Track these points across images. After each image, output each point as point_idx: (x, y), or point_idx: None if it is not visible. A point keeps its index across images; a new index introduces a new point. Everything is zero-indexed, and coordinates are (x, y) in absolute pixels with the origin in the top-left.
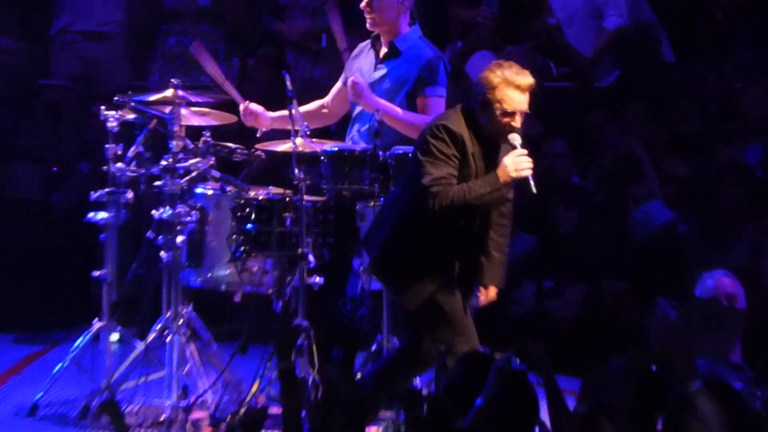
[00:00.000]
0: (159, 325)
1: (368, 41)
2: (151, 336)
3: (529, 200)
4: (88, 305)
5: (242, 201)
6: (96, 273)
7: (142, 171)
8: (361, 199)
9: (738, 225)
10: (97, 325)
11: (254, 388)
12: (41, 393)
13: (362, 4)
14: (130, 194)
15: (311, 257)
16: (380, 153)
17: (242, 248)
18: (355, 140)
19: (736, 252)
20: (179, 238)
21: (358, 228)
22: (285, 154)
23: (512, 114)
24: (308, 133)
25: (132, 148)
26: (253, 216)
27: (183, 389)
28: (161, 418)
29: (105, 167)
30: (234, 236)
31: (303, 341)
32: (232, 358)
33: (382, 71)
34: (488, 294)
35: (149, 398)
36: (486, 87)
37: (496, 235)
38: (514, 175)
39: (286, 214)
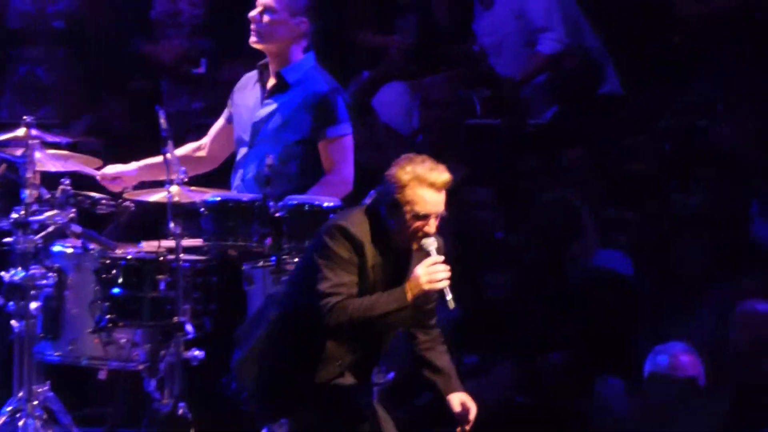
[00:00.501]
0: (10, 407)
1: (254, 72)
2: (1, 420)
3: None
4: None
5: (108, 261)
6: None
7: None
8: (248, 258)
9: (701, 286)
10: None
11: None
12: None
13: (252, 13)
14: None
15: (189, 327)
16: (271, 204)
17: (108, 316)
18: (240, 189)
19: (699, 318)
20: (33, 305)
21: (245, 292)
22: (158, 205)
23: (425, 217)
24: (185, 180)
25: None
26: (120, 279)
27: None
28: None
29: None
30: (98, 302)
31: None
32: None
33: (270, 107)
34: (468, 407)
35: None
36: (394, 186)
37: (434, 344)
38: (427, 287)
39: (160, 276)
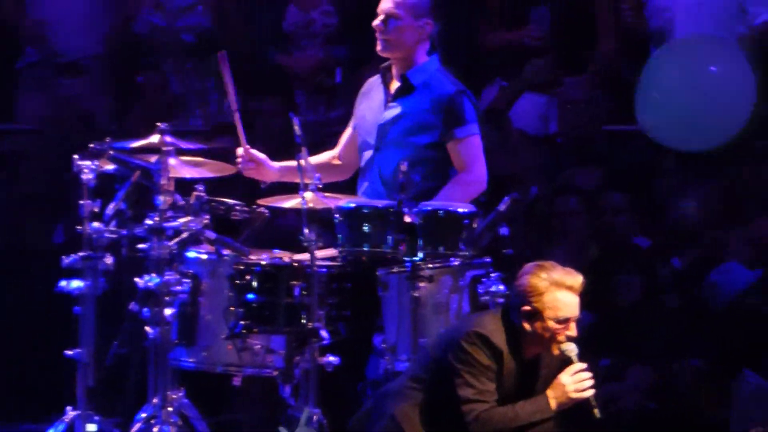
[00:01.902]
0: (145, 414)
1: (378, 76)
2: (136, 426)
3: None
4: (60, 391)
5: (242, 267)
6: (70, 352)
7: (124, 232)
8: (383, 264)
9: None
10: (71, 414)
11: None
12: None
13: (375, 22)
14: (109, 259)
15: (324, 333)
16: (406, 210)
17: (242, 323)
18: (367, 193)
19: None
20: (168, 311)
21: (380, 298)
22: (293, 212)
23: (566, 321)
24: (320, 186)
25: (111, 205)
26: (255, 285)
27: None
28: None
29: (80, 227)
30: (233, 309)
31: None
32: None
33: (396, 110)
34: None
35: None
36: (531, 293)
37: None
38: (574, 396)
39: (295, 282)
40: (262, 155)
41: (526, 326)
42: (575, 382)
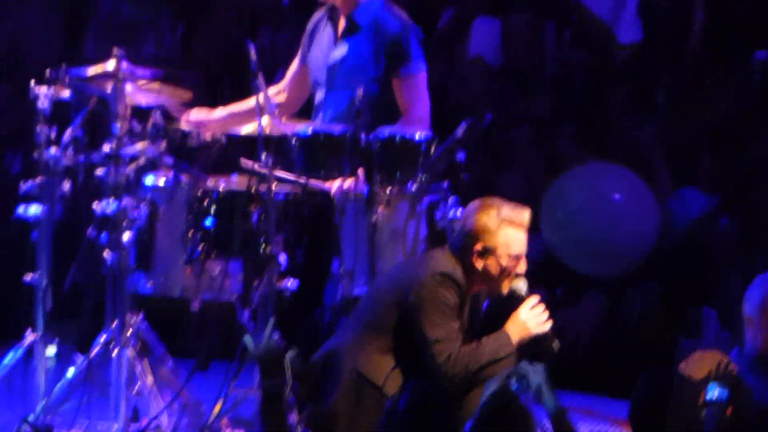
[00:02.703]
0: (103, 338)
1: (324, 12)
2: (95, 350)
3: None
4: (18, 315)
5: (200, 193)
6: (28, 277)
7: (81, 158)
8: (339, 190)
9: None
10: (29, 338)
11: (217, 410)
12: None
13: None
14: (66, 185)
15: (282, 258)
16: (362, 136)
17: (200, 248)
18: None
19: None
20: (126, 237)
21: (337, 225)
22: (250, 138)
23: (517, 258)
24: (276, 112)
25: (68, 132)
26: (212, 210)
27: (133, 412)
28: None
29: (36, 154)
30: (190, 234)
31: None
32: (190, 375)
33: (343, 49)
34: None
35: (93, 423)
36: (483, 232)
37: None
38: (534, 331)
39: (252, 208)
40: (201, 114)
41: (478, 265)
42: (534, 316)
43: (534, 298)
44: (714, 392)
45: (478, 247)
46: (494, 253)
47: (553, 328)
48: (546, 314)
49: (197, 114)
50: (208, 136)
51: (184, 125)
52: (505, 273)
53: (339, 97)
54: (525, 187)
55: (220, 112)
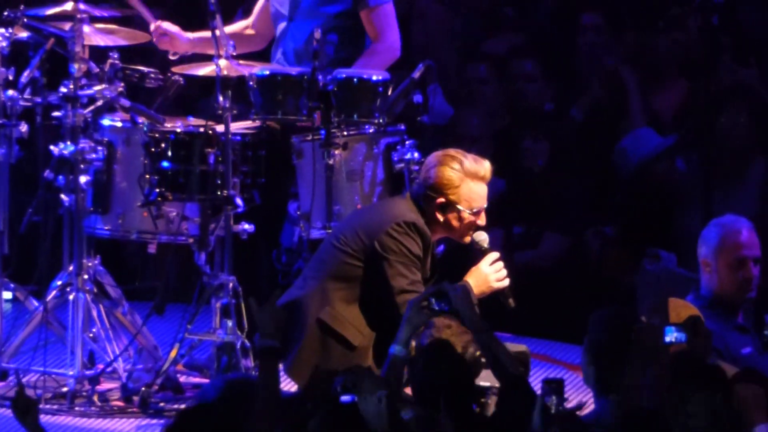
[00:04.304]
0: (60, 282)
1: None
2: (51, 294)
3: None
4: None
5: (157, 135)
6: None
7: (38, 100)
8: (297, 132)
9: (744, 160)
10: None
11: (173, 355)
12: None
13: None
14: (23, 127)
15: (239, 201)
16: (320, 77)
17: (157, 190)
18: (281, 64)
19: (742, 193)
20: (83, 179)
21: (294, 166)
22: (207, 79)
23: (479, 212)
24: (234, 54)
25: (25, 73)
26: (169, 152)
27: (89, 356)
28: (63, 390)
29: None
30: (147, 176)
31: (230, 300)
32: (146, 319)
33: None
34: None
35: (49, 367)
36: (446, 186)
37: None
38: (494, 286)
39: (209, 149)
40: (174, 28)
41: (439, 217)
42: (495, 271)
43: (495, 254)
44: (672, 335)
45: (441, 200)
46: (456, 207)
47: (509, 285)
48: (505, 271)
49: (169, 26)
50: (173, 50)
51: (154, 31)
52: (465, 226)
53: (304, 27)
54: (484, 125)
55: (190, 34)
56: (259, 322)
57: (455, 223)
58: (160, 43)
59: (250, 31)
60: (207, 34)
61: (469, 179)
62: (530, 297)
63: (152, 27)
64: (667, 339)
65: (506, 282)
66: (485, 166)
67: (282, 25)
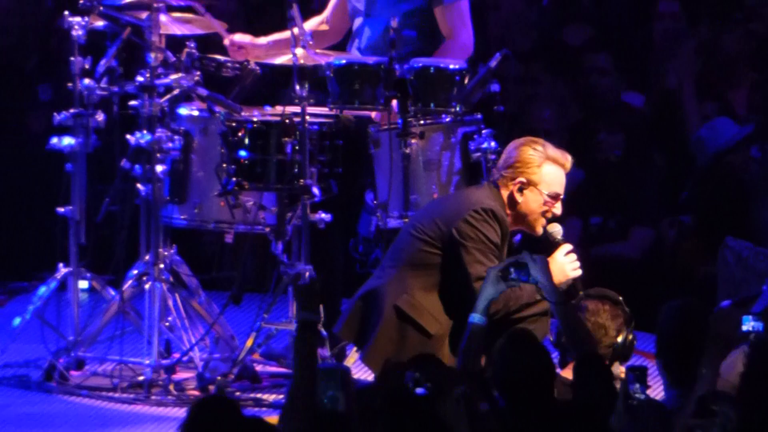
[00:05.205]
0: (136, 271)
1: None
2: (127, 283)
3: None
4: (52, 248)
5: (234, 124)
6: (61, 210)
7: (115, 89)
8: (374, 122)
9: None
10: (62, 271)
11: (249, 344)
12: None
13: None
14: (100, 116)
15: (316, 190)
16: (397, 66)
17: (234, 180)
18: None
19: None
20: (160, 168)
21: (372, 156)
22: (284, 69)
23: (556, 197)
24: (311, 43)
25: (102, 62)
26: (246, 141)
27: (165, 345)
28: (140, 379)
29: (70, 85)
30: (224, 166)
31: None
32: (223, 309)
33: None
34: None
35: (125, 356)
36: (528, 164)
37: None
38: (570, 275)
39: (286, 139)
40: (247, 38)
41: (518, 197)
42: (570, 261)
43: (568, 245)
44: (749, 324)
45: (521, 178)
46: (535, 188)
47: (581, 276)
48: (578, 262)
49: (242, 37)
50: (250, 59)
51: (228, 45)
52: (542, 210)
53: (380, 23)
54: (556, 119)
55: (265, 39)
56: (300, 296)
57: (532, 204)
58: (235, 55)
59: (324, 27)
60: (281, 36)
61: (550, 162)
62: (613, 287)
63: (226, 42)
64: (744, 328)
65: (578, 272)
66: (567, 156)
67: (358, 21)
